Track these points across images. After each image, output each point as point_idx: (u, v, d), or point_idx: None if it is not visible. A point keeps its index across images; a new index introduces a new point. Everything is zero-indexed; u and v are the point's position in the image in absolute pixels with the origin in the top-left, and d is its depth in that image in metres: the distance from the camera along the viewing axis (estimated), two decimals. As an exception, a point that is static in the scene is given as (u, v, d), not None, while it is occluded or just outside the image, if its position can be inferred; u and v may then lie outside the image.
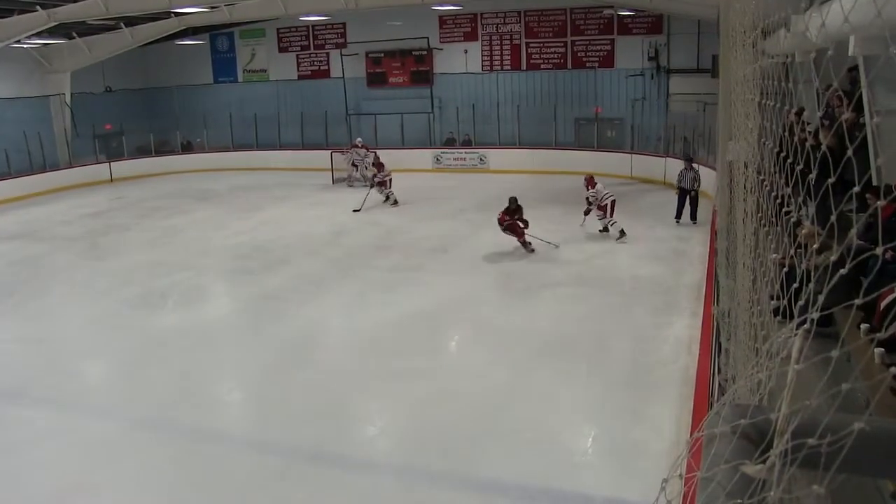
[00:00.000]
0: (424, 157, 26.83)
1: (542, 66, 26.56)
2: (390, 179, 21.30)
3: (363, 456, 8.14)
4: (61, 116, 28.20)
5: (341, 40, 29.39)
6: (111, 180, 27.94)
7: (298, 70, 30.82)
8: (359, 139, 25.67)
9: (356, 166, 24.62)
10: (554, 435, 8.28)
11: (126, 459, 8.24)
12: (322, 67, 30.30)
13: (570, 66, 26.18)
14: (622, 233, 16.03)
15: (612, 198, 16.40)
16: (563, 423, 8.61)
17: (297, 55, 30.69)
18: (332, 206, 21.57)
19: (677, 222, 17.26)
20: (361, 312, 12.57)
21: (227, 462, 8.11)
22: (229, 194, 24.13)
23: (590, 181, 16.67)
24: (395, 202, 21.13)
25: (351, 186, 24.40)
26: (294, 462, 8.10)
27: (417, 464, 7.88)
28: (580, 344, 10.71)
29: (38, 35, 23.29)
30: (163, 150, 30.28)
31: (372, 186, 21.25)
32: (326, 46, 29.95)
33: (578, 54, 26.01)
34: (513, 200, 15.31)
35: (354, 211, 20.38)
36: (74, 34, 26.22)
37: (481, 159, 26.15)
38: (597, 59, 25.80)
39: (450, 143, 27.53)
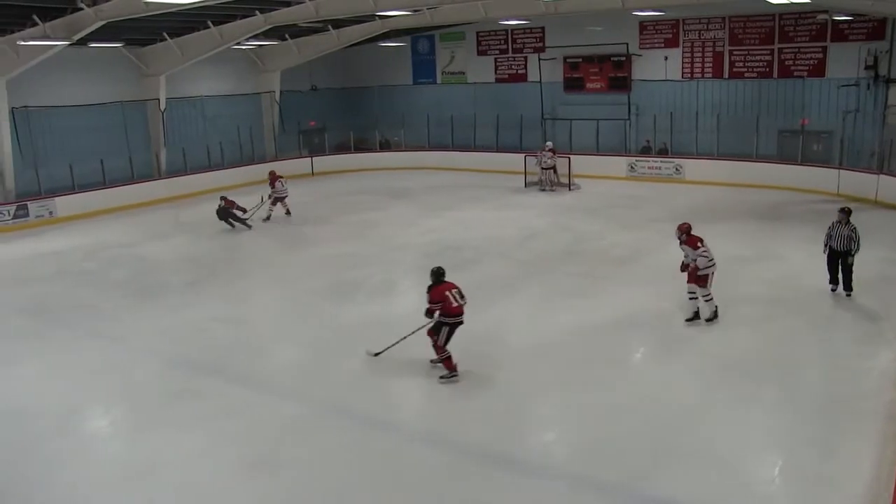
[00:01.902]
0: (619, 164, 26.36)
1: (746, 75, 25.45)
2: (284, 199, 20.99)
3: (537, 461, 8.17)
4: (270, 113, 30.17)
5: (539, 44, 29.47)
6: (312, 174, 29.42)
7: (496, 73, 31.14)
8: (548, 143, 25.65)
9: (546, 170, 24.61)
10: (736, 460, 7.97)
11: (305, 442, 8.71)
12: (519, 71, 30.49)
13: (776, 74, 24.89)
14: (715, 313, 11.83)
15: (712, 268, 11.65)
16: (746, 449, 8.25)
17: (496, 58, 31.01)
18: (524, 209, 21.69)
19: (833, 290, 13.07)
20: (545, 317, 12.59)
21: (400, 454, 8.40)
22: (423, 193, 24.70)
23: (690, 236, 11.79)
24: (268, 217, 20.81)
25: (543, 190, 24.46)
26: (464, 460, 8.23)
27: (591, 474, 7.83)
28: (771, 366, 10.23)
29: (255, 37, 25.03)
30: (361, 147, 31.47)
31: (266, 201, 20.80)
32: (524, 50, 30.11)
33: (786, 62, 24.71)
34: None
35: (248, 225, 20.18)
36: (287, 36, 27.82)
37: (677, 169, 25.38)
38: (806, 67, 24.39)
39: (645, 151, 26.90)
